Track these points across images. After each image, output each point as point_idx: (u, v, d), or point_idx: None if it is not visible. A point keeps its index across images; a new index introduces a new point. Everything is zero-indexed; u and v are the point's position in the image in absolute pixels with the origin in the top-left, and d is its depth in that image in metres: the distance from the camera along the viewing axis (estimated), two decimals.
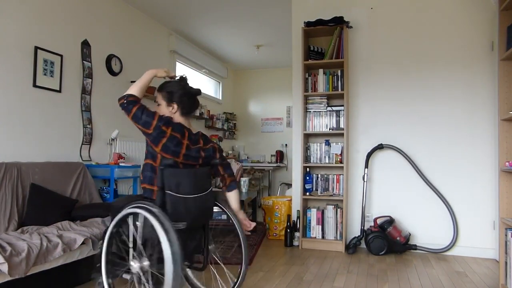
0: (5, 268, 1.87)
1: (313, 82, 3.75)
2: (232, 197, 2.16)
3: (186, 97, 2.01)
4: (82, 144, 3.69)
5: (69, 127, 3.56)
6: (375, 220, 3.55)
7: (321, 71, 3.72)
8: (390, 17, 3.72)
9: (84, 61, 3.73)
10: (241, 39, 5.75)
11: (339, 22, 3.62)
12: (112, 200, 3.53)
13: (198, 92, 2.06)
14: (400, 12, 3.70)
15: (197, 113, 5.97)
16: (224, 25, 5.17)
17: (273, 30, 5.27)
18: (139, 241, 1.73)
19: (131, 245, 1.77)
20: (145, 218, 1.67)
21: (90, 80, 3.80)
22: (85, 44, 3.75)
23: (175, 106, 2.00)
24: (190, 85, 2.08)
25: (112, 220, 1.83)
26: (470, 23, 3.50)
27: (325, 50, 3.72)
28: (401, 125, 3.66)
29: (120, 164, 3.68)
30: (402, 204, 3.62)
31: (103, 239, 1.85)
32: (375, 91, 3.76)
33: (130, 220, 1.78)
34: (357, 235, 3.56)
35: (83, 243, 2.35)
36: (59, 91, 3.43)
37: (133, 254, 1.75)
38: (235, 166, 4.99)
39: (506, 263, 2.25)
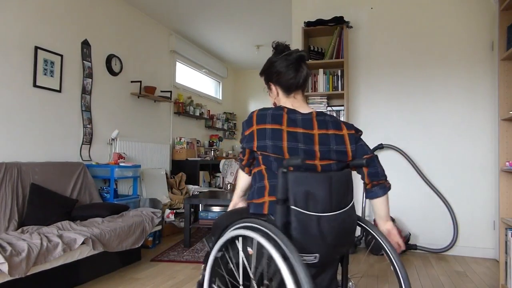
0: (5, 268, 1.87)
1: (313, 82, 3.75)
2: (377, 204, 1.61)
3: (284, 67, 1.45)
4: (82, 144, 3.70)
5: (69, 127, 3.56)
6: (375, 220, 3.55)
7: (321, 71, 3.72)
8: (390, 17, 3.72)
9: (84, 61, 3.73)
10: (241, 39, 5.75)
11: (339, 22, 3.62)
12: (112, 200, 3.53)
13: (299, 56, 1.45)
14: (400, 12, 3.70)
15: (197, 113, 5.94)
16: (224, 25, 5.17)
17: (273, 30, 5.26)
18: (251, 274, 1.23)
19: (240, 279, 1.29)
20: (261, 246, 1.15)
21: (90, 80, 3.80)
22: (85, 44, 3.76)
23: (273, 87, 1.51)
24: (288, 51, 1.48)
25: (215, 242, 1.37)
26: (470, 23, 3.50)
27: (325, 50, 3.72)
28: (401, 125, 3.66)
29: (120, 164, 3.68)
30: (402, 204, 3.62)
31: (205, 265, 1.41)
32: (375, 91, 3.76)
33: (239, 245, 1.28)
34: (357, 235, 3.56)
35: (83, 243, 2.35)
36: (59, 91, 3.43)
37: None
38: (235, 166, 4.99)
39: (506, 263, 2.24)
